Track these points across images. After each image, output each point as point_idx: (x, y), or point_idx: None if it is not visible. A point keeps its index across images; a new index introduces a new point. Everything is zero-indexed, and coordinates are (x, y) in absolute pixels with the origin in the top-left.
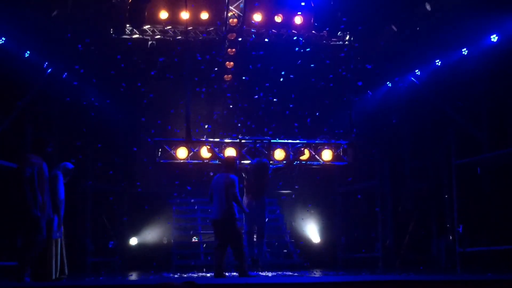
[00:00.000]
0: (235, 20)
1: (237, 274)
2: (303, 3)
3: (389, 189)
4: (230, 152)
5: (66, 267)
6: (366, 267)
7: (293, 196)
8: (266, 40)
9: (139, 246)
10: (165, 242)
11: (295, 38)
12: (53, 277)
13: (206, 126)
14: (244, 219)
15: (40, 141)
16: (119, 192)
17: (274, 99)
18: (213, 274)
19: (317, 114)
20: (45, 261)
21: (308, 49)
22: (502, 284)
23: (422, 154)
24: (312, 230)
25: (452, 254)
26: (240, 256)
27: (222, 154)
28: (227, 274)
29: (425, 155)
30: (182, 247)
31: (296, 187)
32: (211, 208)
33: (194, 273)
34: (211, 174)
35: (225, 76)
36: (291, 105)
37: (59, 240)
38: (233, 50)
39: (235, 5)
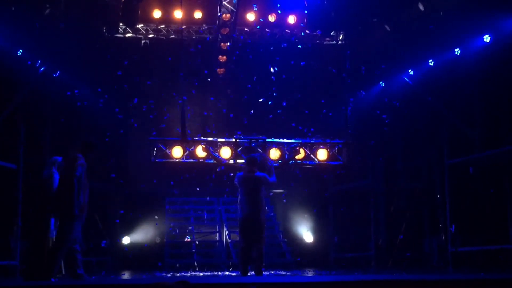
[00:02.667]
0: (228, 15)
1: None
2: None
3: (382, 188)
4: (226, 151)
5: (62, 266)
6: (359, 266)
7: (284, 195)
8: (259, 39)
9: (132, 245)
10: (157, 241)
11: (288, 37)
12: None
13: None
14: (239, 232)
15: (90, 145)
16: (112, 191)
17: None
18: (238, 272)
19: (312, 113)
20: (43, 260)
21: (300, 46)
22: (494, 284)
23: (415, 153)
24: (305, 230)
25: (444, 253)
26: (261, 256)
27: (217, 154)
28: (225, 273)
29: (418, 154)
30: (175, 246)
31: (291, 184)
32: (238, 207)
33: (187, 272)
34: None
35: (218, 69)
36: (285, 104)
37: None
38: (226, 44)
39: (228, 0)
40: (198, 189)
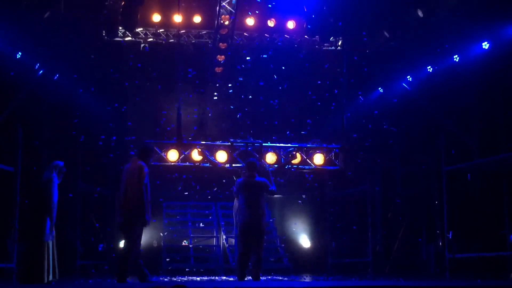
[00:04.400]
0: (227, 16)
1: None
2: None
3: (379, 194)
4: (222, 155)
5: (57, 270)
6: (356, 272)
7: (281, 201)
8: (258, 44)
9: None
10: (155, 245)
11: (287, 42)
12: (45, 280)
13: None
14: (237, 238)
15: (149, 150)
16: (109, 194)
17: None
18: (236, 276)
19: (309, 118)
20: (37, 264)
21: (298, 51)
22: None
23: (413, 160)
24: (302, 235)
25: (442, 259)
26: (259, 261)
27: (213, 157)
28: (222, 277)
29: (415, 161)
30: (172, 250)
31: (289, 189)
32: (235, 212)
33: (184, 277)
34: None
35: (216, 68)
36: (283, 109)
37: (51, 242)
38: (225, 44)
39: (227, 1)
40: (194, 193)
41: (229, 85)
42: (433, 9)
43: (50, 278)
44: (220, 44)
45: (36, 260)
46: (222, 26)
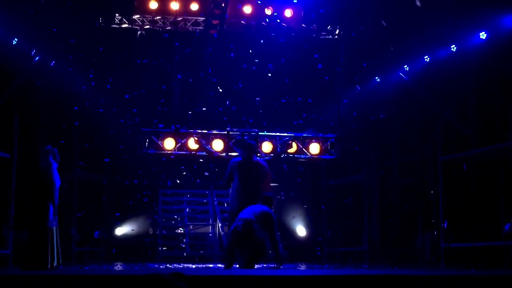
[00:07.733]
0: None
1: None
2: None
3: (375, 183)
4: (218, 143)
5: (60, 256)
6: (352, 260)
7: (277, 189)
8: (255, 32)
9: (125, 236)
10: (150, 232)
11: (285, 31)
12: (48, 266)
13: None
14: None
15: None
16: (106, 182)
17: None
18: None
19: (306, 107)
20: (40, 250)
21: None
22: (485, 280)
23: (409, 149)
24: (298, 224)
25: (437, 249)
26: (254, 258)
27: (209, 146)
28: (218, 265)
29: (412, 150)
30: (168, 238)
31: (284, 178)
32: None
33: (179, 264)
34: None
35: (213, 21)
36: (279, 98)
37: (54, 228)
38: (217, 21)
39: None
40: (190, 181)
41: (225, 75)
42: None
43: (55, 264)
44: (213, 21)
45: (40, 247)
46: (216, 6)
